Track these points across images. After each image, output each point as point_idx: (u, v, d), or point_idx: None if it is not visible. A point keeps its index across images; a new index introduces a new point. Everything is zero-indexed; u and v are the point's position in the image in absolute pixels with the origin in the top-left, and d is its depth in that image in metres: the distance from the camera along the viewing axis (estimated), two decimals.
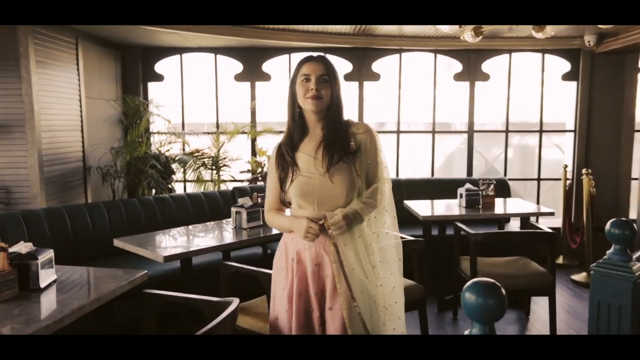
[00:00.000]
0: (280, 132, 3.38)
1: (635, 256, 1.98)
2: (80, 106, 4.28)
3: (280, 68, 5.33)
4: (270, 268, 2.04)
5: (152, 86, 5.30)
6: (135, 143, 4.55)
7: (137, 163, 4.44)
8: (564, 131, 5.68)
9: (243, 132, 5.13)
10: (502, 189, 4.86)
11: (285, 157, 1.86)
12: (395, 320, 1.87)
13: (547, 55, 5.42)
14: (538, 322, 3.63)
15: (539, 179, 5.67)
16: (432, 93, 5.45)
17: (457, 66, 5.40)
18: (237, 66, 5.27)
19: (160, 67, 5.26)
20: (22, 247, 2.03)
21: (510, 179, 5.27)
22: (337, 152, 1.80)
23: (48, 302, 1.90)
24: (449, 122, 5.92)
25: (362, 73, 5.33)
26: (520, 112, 5.72)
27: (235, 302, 1.90)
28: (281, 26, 4.58)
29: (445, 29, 4.03)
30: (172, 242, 3.07)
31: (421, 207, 3.96)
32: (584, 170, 4.67)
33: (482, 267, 3.26)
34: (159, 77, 5.28)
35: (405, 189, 4.95)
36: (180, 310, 2.35)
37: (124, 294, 2.08)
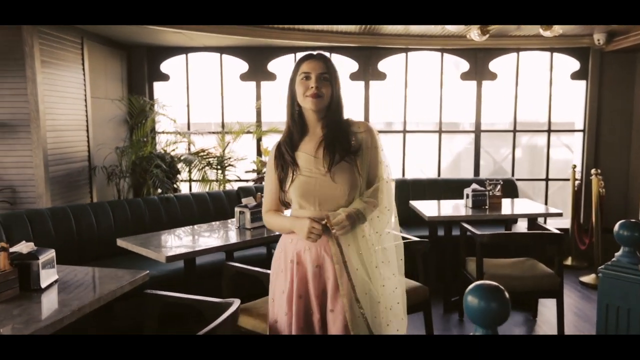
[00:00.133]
0: None
1: None
2: (86, 106, 4.29)
3: (285, 67, 5.31)
4: None
5: (157, 86, 5.31)
6: (140, 143, 4.55)
7: (142, 163, 4.44)
8: (572, 131, 5.61)
9: (248, 132, 5.12)
10: (510, 189, 4.81)
11: (285, 156, 1.82)
12: (398, 321, 1.84)
13: (555, 54, 5.36)
14: (545, 324, 3.58)
15: (547, 179, 5.61)
16: (439, 92, 5.40)
17: (464, 65, 5.35)
18: (243, 66, 5.26)
19: (165, 66, 5.27)
20: (23, 247, 2.02)
21: (518, 179, 5.22)
22: (338, 151, 1.77)
23: (49, 303, 1.89)
24: (457, 122, 5.87)
25: (368, 72, 5.30)
26: (529, 111, 5.65)
27: (236, 303, 1.88)
28: (287, 25, 4.56)
29: (452, 27, 4.00)
30: (175, 242, 3.06)
31: (427, 208, 3.92)
32: (593, 171, 4.60)
33: (488, 268, 3.22)
34: (164, 77, 5.28)
35: (412, 189, 4.91)
36: (181, 311, 2.34)
37: (125, 294, 2.07)
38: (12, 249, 1.99)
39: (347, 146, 1.79)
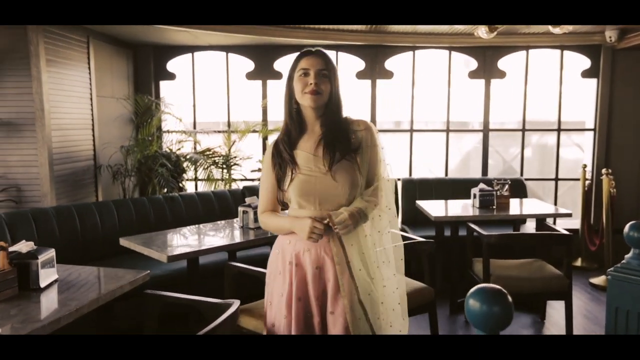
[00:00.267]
0: None
1: None
2: (92, 105, 4.29)
3: None
4: None
5: (163, 85, 5.30)
6: (145, 142, 4.55)
7: (147, 162, 4.43)
8: (583, 130, 5.52)
9: (254, 131, 5.09)
10: (518, 189, 4.74)
11: (283, 154, 1.78)
12: (399, 322, 1.81)
13: (566, 52, 5.27)
14: (554, 327, 3.52)
15: (556, 179, 5.52)
16: (447, 91, 5.34)
17: (474, 63, 5.29)
18: (249, 64, 5.24)
19: (172, 65, 5.26)
20: (23, 246, 2.01)
21: (527, 179, 5.14)
22: (338, 149, 1.73)
23: (47, 302, 1.88)
24: (467, 121, 5.80)
25: (375, 71, 5.25)
26: (539, 110, 5.57)
27: (235, 304, 1.85)
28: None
29: (460, 25, 3.94)
30: (178, 241, 3.04)
31: (433, 208, 3.87)
32: (603, 170, 4.53)
33: (495, 269, 3.17)
34: (170, 76, 5.28)
35: (419, 188, 4.86)
36: (182, 311, 2.32)
37: (125, 294, 2.05)
38: (11, 248, 1.98)
39: (347, 144, 1.75)
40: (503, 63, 5.28)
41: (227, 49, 5.21)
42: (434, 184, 4.93)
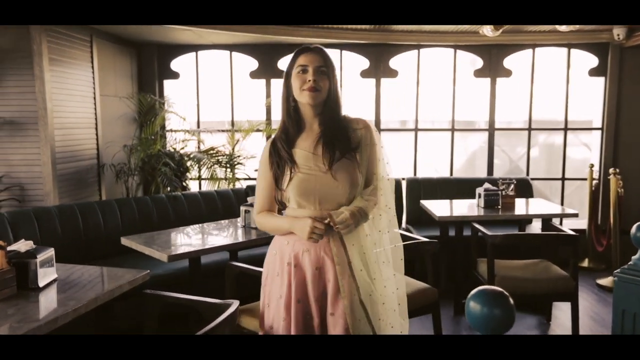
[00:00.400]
0: None
1: None
2: (95, 103, 4.28)
3: None
4: None
5: (167, 84, 5.30)
6: (149, 141, 4.54)
7: (150, 161, 4.43)
8: (590, 129, 5.46)
9: (258, 130, 5.07)
10: (524, 189, 4.69)
11: (281, 152, 1.74)
12: (400, 323, 1.78)
13: (573, 50, 5.21)
14: (559, 328, 3.47)
15: (563, 179, 5.46)
16: (452, 90, 5.29)
17: (479, 62, 5.24)
18: (253, 63, 5.22)
19: (175, 64, 5.26)
20: (22, 246, 2.00)
21: (533, 179, 5.09)
22: (338, 148, 1.70)
23: (45, 302, 1.86)
24: (473, 120, 5.75)
25: (379, 69, 5.22)
26: (546, 109, 5.51)
27: (234, 304, 1.83)
28: None
29: None
30: (179, 240, 3.03)
31: (438, 207, 3.84)
32: (611, 170, 4.47)
33: (500, 270, 3.13)
34: (174, 75, 5.27)
35: (423, 188, 4.83)
36: (182, 311, 2.30)
37: (125, 293, 2.04)
38: (10, 247, 1.97)
39: (347, 143, 1.72)
40: (509, 61, 5.22)
41: (231, 47, 5.20)
42: (438, 183, 4.89)
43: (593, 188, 4.80)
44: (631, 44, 4.80)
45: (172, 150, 4.75)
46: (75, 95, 4.01)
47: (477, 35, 4.62)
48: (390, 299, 1.75)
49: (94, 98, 4.27)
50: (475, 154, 6.03)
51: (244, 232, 3.11)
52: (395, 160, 5.62)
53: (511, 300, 1.11)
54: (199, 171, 5.00)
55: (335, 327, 1.70)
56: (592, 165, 4.86)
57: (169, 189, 4.38)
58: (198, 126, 5.27)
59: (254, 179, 5.11)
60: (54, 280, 2.02)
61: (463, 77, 5.34)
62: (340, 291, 1.70)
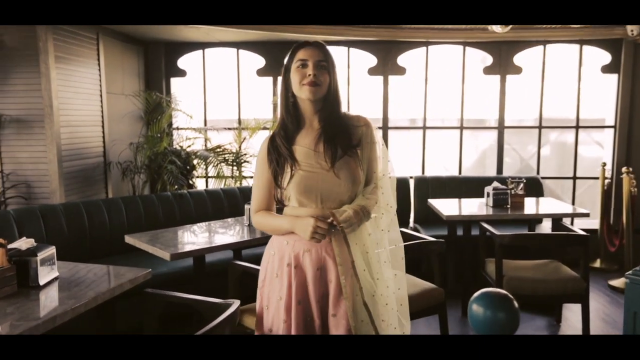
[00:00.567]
0: None
1: None
2: (101, 101, 4.28)
3: None
4: None
5: (174, 82, 5.29)
6: (155, 139, 4.53)
7: (157, 158, 4.42)
8: (602, 127, 5.36)
9: (265, 128, 5.05)
10: (535, 188, 4.62)
11: (281, 149, 1.70)
12: (402, 324, 1.74)
13: (585, 46, 5.11)
14: (569, 330, 3.40)
15: (574, 178, 5.37)
16: (461, 88, 5.22)
17: (488, 59, 5.16)
18: (259, 61, 5.19)
19: (182, 62, 5.24)
20: (23, 244, 1.99)
21: (544, 178, 5.01)
22: (340, 145, 1.66)
23: (45, 301, 1.85)
24: (484, 119, 5.67)
25: (387, 67, 5.16)
26: (557, 107, 5.41)
27: (235, 304, 1.80)
28: None
29: None
30: (183, 239, 3.01)
31: (446, 206, 3.78)
32: (624, 169, 4.38)
33: (508, 270, 3.07)
34: (181, 73, 5.26)
35: (431, 187, 4.77)
36: (183, 310, 2.28)
37: (127, 292, 2.02)
38: (11, 245, 1.96)
39: (348, 140, 1.68)
40: (519, 58, 5.14)
41: (238, 45, 5.17)
42: (446, 182, 4.84)
43: (605, 187, 4.71)
44: None
45: (179, 148, 4.74)
46: (82, 93, 4.02)
47: (486, 31, 4.56)
48: (392, 300, 1.71)
49: (101, 96, 4.27)
50: (485, 153, 5.95)
51: (249, 230, 3.08)
52: (404, 159, 5.57)
53: (516, 303, 1.08)
54: (206, 169, 4.99)
55: (338, 329, 1.67)
56: (604, 164, 4.77)
57: (175, 187, 4.37)
58: (205, 124, 5.26)
59: None
60: (55, 278, 2.01)
61: (472, 75, 5.26)
62: (342, 292, 1.66)
